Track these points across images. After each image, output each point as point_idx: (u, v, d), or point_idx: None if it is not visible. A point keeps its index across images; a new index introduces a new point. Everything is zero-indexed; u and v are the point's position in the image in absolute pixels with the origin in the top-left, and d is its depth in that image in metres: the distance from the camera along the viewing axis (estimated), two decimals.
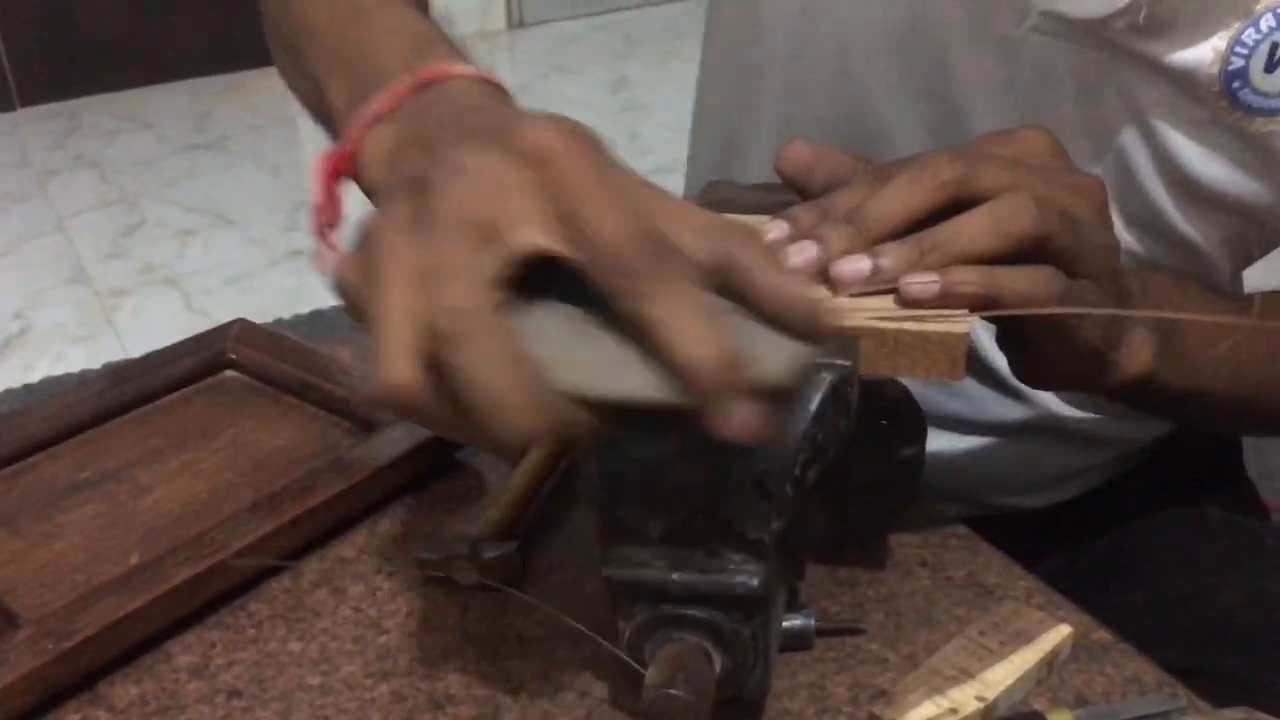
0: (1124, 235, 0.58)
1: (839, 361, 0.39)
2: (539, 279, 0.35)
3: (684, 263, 0.34)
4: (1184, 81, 0.54)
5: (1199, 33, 0.53)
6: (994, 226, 0.41)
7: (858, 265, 0.41)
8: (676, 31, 3.53)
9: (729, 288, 0.35)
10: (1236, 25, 0.52)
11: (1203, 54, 0.53)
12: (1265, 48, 0.52)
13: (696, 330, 0.32)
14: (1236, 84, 0.53)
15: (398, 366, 0.33)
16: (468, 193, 0.34)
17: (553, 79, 3.25)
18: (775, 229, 0.44)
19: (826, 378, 0.39)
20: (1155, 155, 0.57)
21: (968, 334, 0.40)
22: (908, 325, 0.40)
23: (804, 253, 0.42)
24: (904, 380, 0.50)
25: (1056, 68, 0.56)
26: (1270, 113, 0.54)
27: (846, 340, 0.40)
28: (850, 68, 0.62)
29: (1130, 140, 0.57)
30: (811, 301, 0.35)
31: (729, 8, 0.70)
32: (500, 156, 0.34)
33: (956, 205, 0.43)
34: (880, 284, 0.41)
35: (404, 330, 0.33)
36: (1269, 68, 0.53)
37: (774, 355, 0.34)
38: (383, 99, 0.41)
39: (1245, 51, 0.53)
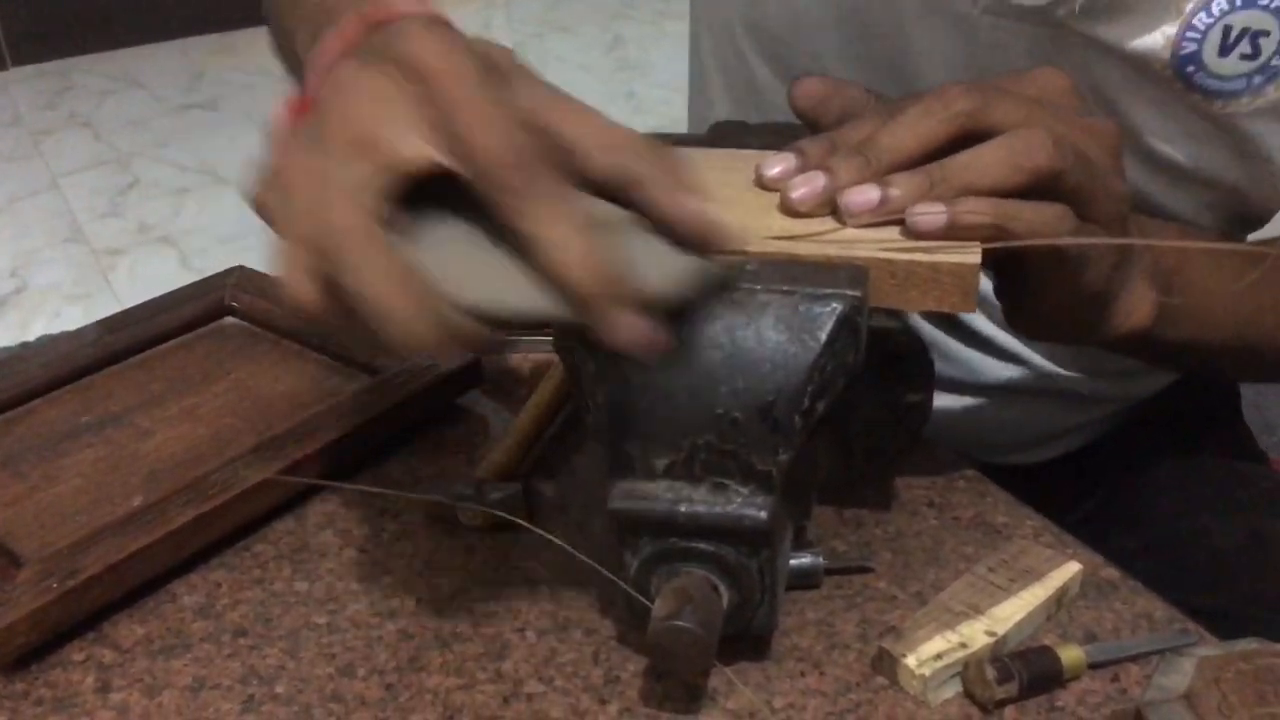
0: None
1: (849, 292, 0.39)
2: (444, 193, 0.35)
3: (568, 176, 0.34)
4: (1139, 65, 0.53)
5: (1148, 19, 0.52)
6: (1008, 159, 0.40)
7: (866, 195, 0.41)
8: None
9: (629, 200, 0.36)
10: (1187, 9, 0.51)
11: (1154, 39, 0.52)
12: (1218, 31, 0.51)
13: (572, 245, 0.33)
14: (1190, 68, 0.52)
15: (295, 283, 0.34)
16: (349, 107, 0.34)
17: (548, 38, 3.22)
18: (782, 160, 0.43)
19: (837, 308, 0.38)
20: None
21: (979, 265, 0.40)
22: (919, 256, 0.40)
23: (812, 183, 0.42)
24: (911, 316, 0.49)
25: (1012, 47, 0.55)
26: (1228, 95, 0.53)
27: (856, 271, 0.40)
28: (800, 40, 0.61)
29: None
30: (704, 217, 0.36)
31: None
32: (380, 69, 0.35)
33: (969, 139, 0.42)
34: (889, 214, 0.41)
35: (298, 247, 0.34)
36: (1223, 51, 0.51)
37: (661, 268, 0.35)
38: (333, 42, 0.41)
39: (1197, 36, 0.51)
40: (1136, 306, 0.48)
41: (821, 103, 0.46)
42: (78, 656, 0.45)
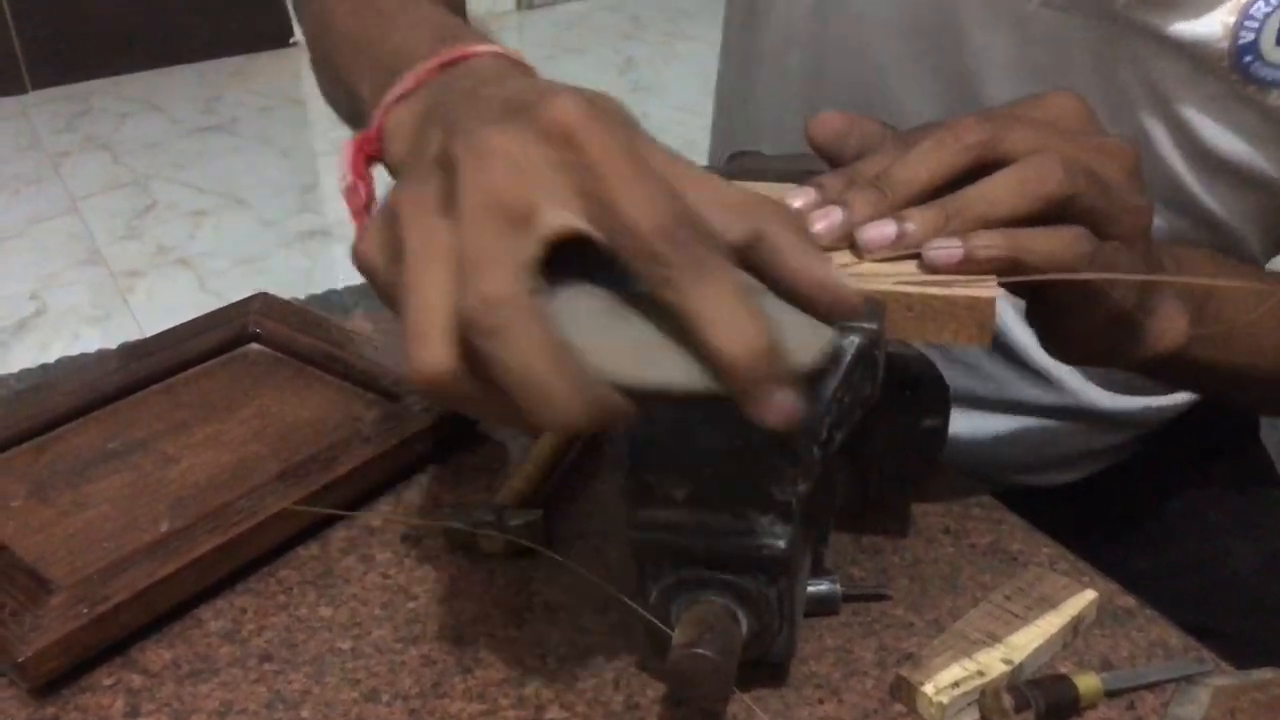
0: None
1: (866, 325, 0.39)
2: (561, 258, 0.34)
3: (718, 247, 0.33)
4: (1196, 55, 0.54)
5: (1206, 6, 0.53)
6: (1019, 188, 0.41)
7: (883, 230, 0.41)
8: (683, 12, 3.52)
9: (755, 265, 0.35)
10: None
11: (1211, 28, 0.53)
12: (1276, 19, 0.52)
13: (735, 322, 0.32)
14: (1248, 58, 0.53)
15: (433, 350, 0.32)
16: (495, 174, 0.33)
17: (560, 60, 3.24)
18: (801, 195, 0.44)
19: (854, 341, 0.39)
20: (1172, 129, 0.57)
21: (995, 298, 0.40)
22: (935, 290, 0.40)
23: (829, 218, 0.42)
24: (928, 347, 0.50)
25: (1070, 43, 0.56)
26: None
27: (873, 304, 0.40)
28: (866, 51, 0.62)
29: (1147, 114, 0.57)
30: (843, 285, 0.35)
31: (748, 10, 0.69)
32: (524, 134, 0.33)
33: (984, 169, 0.42)
34: (906, 249, 0.41)
35: (438, 314, 0.32)
36: None
37: (804, 340, 0.34)
38: (407, 80, 0.41)
39: (1255, 25, 0.52)
40: (1168, 328, 0.48)
41: (838, 137, 0.46)
42: (107, 681, 0.45)
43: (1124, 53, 0.55)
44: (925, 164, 0.42)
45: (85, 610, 0.45)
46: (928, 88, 0.60)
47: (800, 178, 0.47)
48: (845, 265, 0.42)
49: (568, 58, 3.26)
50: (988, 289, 0.40)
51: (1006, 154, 0.42)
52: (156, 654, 0.47)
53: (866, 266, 0.42)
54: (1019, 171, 0.41)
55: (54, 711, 0.44)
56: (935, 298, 0.40)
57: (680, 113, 2.81)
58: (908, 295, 0.40)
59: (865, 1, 0.61)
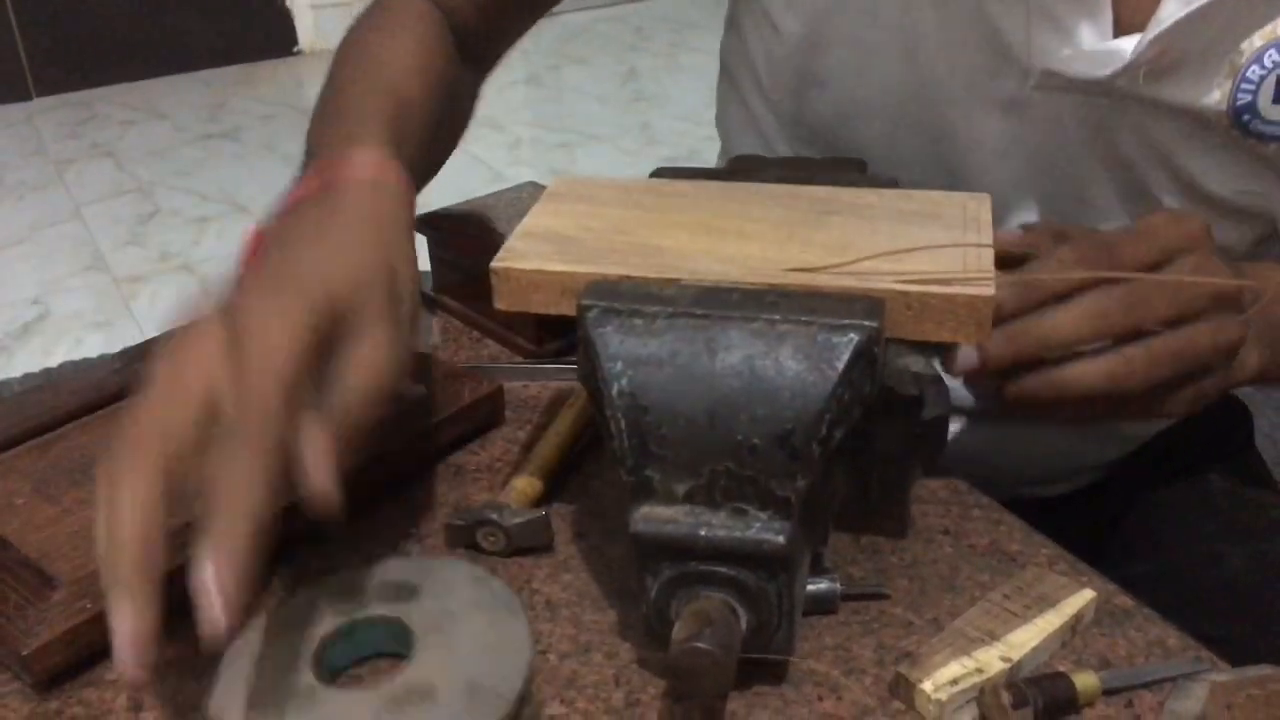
0: None
1: (865, 323, 0.40)
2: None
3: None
4: (1195, 117, 0.55)
5: (1206, 77, 0.54)
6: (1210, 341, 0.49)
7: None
8: (687, 23, 3.53)
9: None
10: (1240, 64, 0.54)
11: (1211, 94, 0.54)
12: (1272, 80, 0.54)
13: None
14: (1246, 117, 0.54)
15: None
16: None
17: (564, 70, 3.26)
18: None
19: (853, 338, 0.39)
20: (1171, 175, 0.58)
21: (993, 297, 0.41)
22: (934, 288, 0.41)
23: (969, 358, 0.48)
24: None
25: (1066, 117, 0.57)
26: None
27: (873, 302, 0.41)
28: (849, 133, 0.63)
29: (1144, 164, 0.58)
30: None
31: (737, 65, 0.70)
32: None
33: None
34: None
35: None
36: (1278, 97, 0.54)
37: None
38: (292, 194, 0.46)
39: (1251, 87, 0.54)
40: (1245, 361, 0.52)
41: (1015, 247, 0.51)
42: (110, 676, 0.46)
43: (1121, 120, 0.57)
44: (1074, 330, 0.47)
45: (88, 605, 0.45)
46: (914, 167, 0.62)
47: (799, 182, 0.47)
48: (845, 264, 0.42)
49: (572, 67, 3.27)
50: (985, 288, 0.41)
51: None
52: (161, 649, 0.47)
53: (866, 265, 0.42)
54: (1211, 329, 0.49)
55: (57, 705, 0.44)
56: (934, 296, 0.41)
57: (683, 123, 2.81)
58: (906, 294, 0.41)
59: (846, 87, 0.62)
